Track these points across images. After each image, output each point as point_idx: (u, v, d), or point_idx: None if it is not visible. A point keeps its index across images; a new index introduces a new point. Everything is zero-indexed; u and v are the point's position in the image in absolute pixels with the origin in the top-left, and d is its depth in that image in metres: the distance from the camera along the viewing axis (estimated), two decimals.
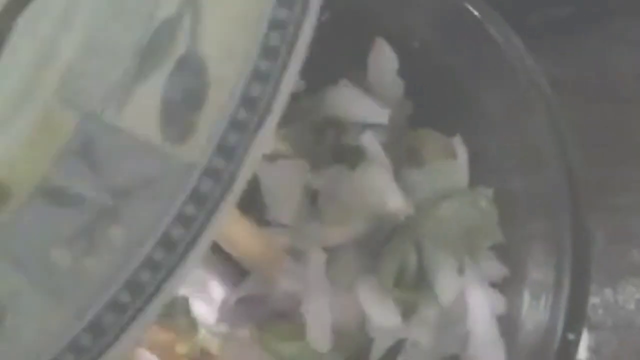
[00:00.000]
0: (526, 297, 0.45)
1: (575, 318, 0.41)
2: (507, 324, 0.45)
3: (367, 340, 0.44)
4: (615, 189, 0.55)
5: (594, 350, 0.54)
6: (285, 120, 0.42)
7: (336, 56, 0.48)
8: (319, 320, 0.42)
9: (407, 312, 0.44)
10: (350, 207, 0.43)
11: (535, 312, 0.44)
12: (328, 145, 0.46)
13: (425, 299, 0.44)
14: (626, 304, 0.54)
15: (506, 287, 0.46)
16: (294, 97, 0.46)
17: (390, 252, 0.43)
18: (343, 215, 0.43)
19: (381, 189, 0.43)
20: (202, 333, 0.44)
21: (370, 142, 0.44)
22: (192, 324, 0.44)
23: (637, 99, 0.55)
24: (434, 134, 0.47)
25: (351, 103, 0.45)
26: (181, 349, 0.45)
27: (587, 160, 0.51)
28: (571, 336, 0.41)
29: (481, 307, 0.45)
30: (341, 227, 0.43)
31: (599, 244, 0.54)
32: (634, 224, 0.54)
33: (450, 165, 0.45)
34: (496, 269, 0.46)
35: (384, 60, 0.47)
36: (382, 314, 0.43)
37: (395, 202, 0.43)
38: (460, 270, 0.44)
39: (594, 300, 0.54)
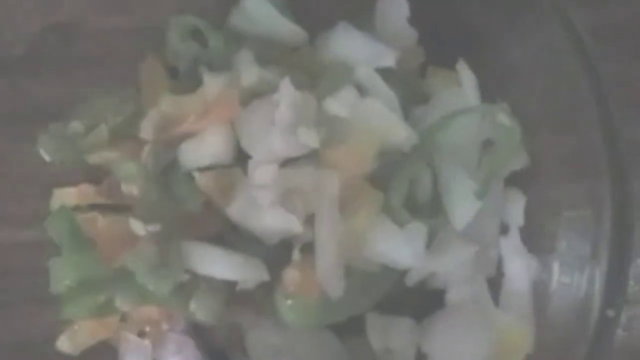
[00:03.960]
0: (556, 268, 0.42)
1: (615, 293, 0.38)
2: (536, 297, 0.42)
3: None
4: None
5: (625, 327, 0.50)
6: (284, 69, 0.40)
7: (340, 3, 0.44)
8: (330, 249, 0.39)
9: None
10: (354, 147, 0.39)
11: (568, 286, 0.40)
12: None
13: (442, 224, 0.41)
14: None
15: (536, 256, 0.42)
16: (294, 49, 0.44)
17: (400, 174, 0.40)
18: (346, 155, 0.40)
19: (383, 122, 0.40)
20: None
21: (367, 76, 0.41)
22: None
23: None
24: (440, 70, 0.44)
25: (353, 45, 0.42)
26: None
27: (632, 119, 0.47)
28: (611, 313, 0.38)
29: (519, 273, 0.42)
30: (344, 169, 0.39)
31: None
32: None
33: (456, 92, 0.42)
34: (519, 201, 0.42)
35: (394, 6, 0.43)
36: (397, 246, 0.40)
37: (398, 132, 0.40)
38: (479, 194, 0.40)
39: None
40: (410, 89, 0.44)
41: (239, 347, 0.44)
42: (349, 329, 0.43)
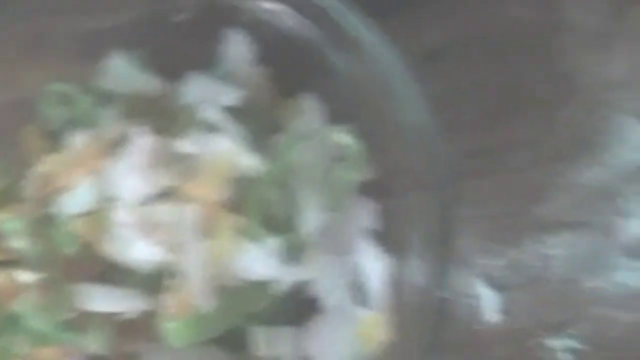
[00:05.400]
0: (406, 264, 0.47)
1: (444, 279, 0.44)
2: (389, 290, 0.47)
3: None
4: (503, 149, 0.55)
5: (505, 311, 0.54)
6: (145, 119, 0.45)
7: (192, 52, 0.49)
8: (197, 272, 0.44)
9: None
10: (206, 179, 0.44)
11: (415, 275, 0.46)
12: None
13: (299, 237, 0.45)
14: (531, 260, 0.54)
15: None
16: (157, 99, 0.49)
17: (252, 197, 0.45)
18: (199, 187, 0.45)
19: (230, 154, 0.45)
20: None
21: (212, 115, 0.46)
22: None
23: (509, 50, 0.55)
24: (289, 101, 0.49)
25: (200, 89, 0.47)
26: None
27: (465, 128, 0.53)
28: (444, 294, 0.43)
29: (373, 272, 0.47)
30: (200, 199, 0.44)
31: (495, 207, 0.55)
32: (529, 180, 0.55)
33: (302, 119, 0.48)
34: (369, 210, 0.48)
35: (239, 50, 0.48)
36: (255, 261, 0.45)
37: (245, 161, 0.45)
38: (326, 206, 0.45)
39: (499, 261, 0.54)
40: (266, 121, 0.49)
41: None
42: (235, 344, 0.47)
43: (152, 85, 0.49)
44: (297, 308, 0.48)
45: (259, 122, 0.48)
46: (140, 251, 0.44)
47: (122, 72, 0.49)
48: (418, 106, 0.46)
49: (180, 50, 0.51)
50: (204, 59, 0.50)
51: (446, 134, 0.52)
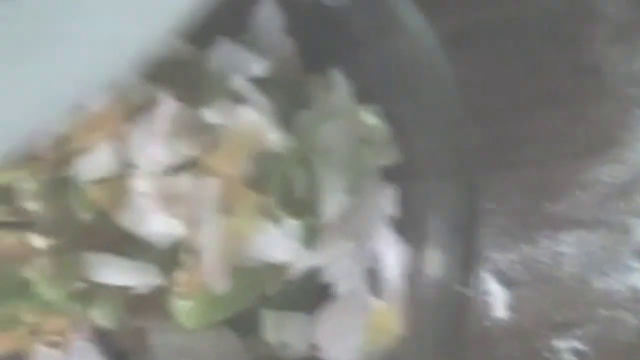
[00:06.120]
0: (426, 255, 0.45)
1: (465, 272, 0.43)
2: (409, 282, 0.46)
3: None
4: (524, 141, 0.54)
5: (513, 308, 0.53)
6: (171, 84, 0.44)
7: (222, 18, 0.47)
8: (213, 250, 0.42)
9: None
10: (227, 151, 0.43)
11: (434, 267, 0.45)
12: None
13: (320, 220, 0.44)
14: (543, 257, 0.54)
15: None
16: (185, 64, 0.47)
17: (274, 175, 0.44)
18: (221, 160, 0.43)
19: (255, 127, 0.43)
20: None
21: (240, 85, 0.44)
22: None
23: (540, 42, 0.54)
24: (318, 77, 0.47)
25: (229, 58, 0.46)
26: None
27: (486, 117, 0.51)
28: (467, 291, 0.43)
29: (392, 261, 0.46)
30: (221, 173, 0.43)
31: (512, 201, 0.54)
32: (549, 176, 0.54)
33: (332, 96, 0.46)
34: (391, 196, 0.46)
35: (269, 19, 0.46)
36: (273, 243, 0.43)
37: (269, 135, 0.43)
38: (348, 190, 0.44)
39: (511, 257, 0.54)
40: (292, 95, 0.47)
41: (144, 351, 0.47)
42: (246, 327, 0.46)
43: (181, 49, 0.47)
44: (311, 294, 0.47)
45: (285, 96, 0.46)
46: (156, 223, 0.43)
47: None
48: (449, 91, 0.44)
49: (211, 15, 0.49)
50: (233, 26, 0.48)
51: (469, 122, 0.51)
